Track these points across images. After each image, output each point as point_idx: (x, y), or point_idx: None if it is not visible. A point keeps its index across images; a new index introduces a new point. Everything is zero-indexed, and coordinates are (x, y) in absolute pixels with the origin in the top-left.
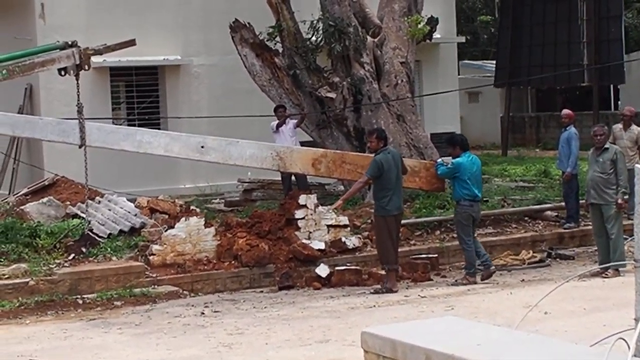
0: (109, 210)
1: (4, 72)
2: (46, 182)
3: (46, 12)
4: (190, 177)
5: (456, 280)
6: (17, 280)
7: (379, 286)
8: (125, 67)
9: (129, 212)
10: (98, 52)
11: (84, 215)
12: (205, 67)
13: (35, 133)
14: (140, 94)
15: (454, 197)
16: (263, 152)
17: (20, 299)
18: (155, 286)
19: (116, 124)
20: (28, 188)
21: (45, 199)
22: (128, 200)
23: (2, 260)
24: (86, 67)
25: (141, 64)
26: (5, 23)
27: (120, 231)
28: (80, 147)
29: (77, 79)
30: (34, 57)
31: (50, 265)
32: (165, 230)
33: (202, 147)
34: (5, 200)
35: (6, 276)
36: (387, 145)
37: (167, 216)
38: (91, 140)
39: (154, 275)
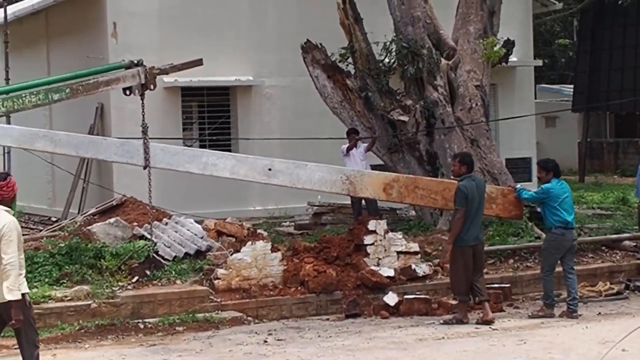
0: (176, 232)
1: (67, 90)
2: (114, 203)
3: (118, 31)
4: (260, 199)
5: (533, 313)
6: (79, 303)
7: (449, 316)
8: (197, 87)
9: (196, 235)
10: (164, 72)
11: (150, 237)
12: (276, 88)
13: (98, 154)
14: (211, 115)
15: (545, 225)
16: (332, 175)
17: (81, 322)
18: (219, 311)
19: (187, 145)
20: (96, 208)
21: (112, 220)
22: (195, 222)
23: (65, 281)
24: (151, 87)
25: (213, 84)
26: (78, 42)
27: (186, 254)
28: (144, 168)
29: (142, 99)
30: (98, 76)
31: (114, 288)
32: (231, 254)
33: (270, 169)
34: (73, 220)
35: (68, 298)
36: (472, 171)
37: (234, 239)
38: (155, 162)
39: (219, 300)
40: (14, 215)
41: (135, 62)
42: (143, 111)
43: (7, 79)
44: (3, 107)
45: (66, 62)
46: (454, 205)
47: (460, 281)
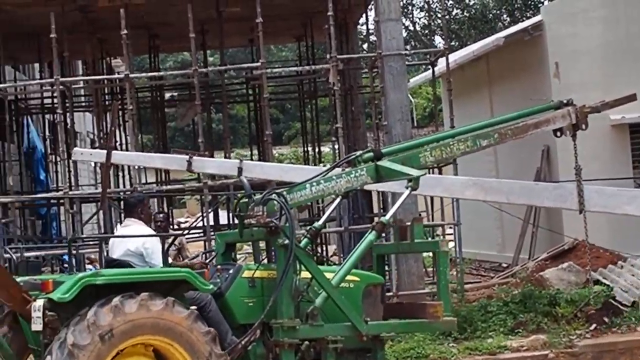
0: (632, 275)
1: (496, 136)
2: (565, 247)
3: (560, 70)
4: None
5: None
6: (536, 353)
7: None
8: None
9: None
10: (595, 110)
11: (605, 282)
12: None
13: (531, 199)
14: None
15: None
16: None
17: None
18: None
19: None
20: (547, 253)
21: (564, 265)
22: None
23: (520, 330)
24: (583, 127)
25: None
26: (519, 84)
27: None
28: (580, 212)
29: (574, 140)
30: (527, 119)
31: (571, 337)
32: None
33: None
34: (525, 266)
35: (524, 348)
36: None
37: None
38: (590, 205)
39: None
40: None
41: (565, 101)
42: (575, 152)
43: (452, 127)
44: (431, 156)
45: (508, 106)
46: None
47: None
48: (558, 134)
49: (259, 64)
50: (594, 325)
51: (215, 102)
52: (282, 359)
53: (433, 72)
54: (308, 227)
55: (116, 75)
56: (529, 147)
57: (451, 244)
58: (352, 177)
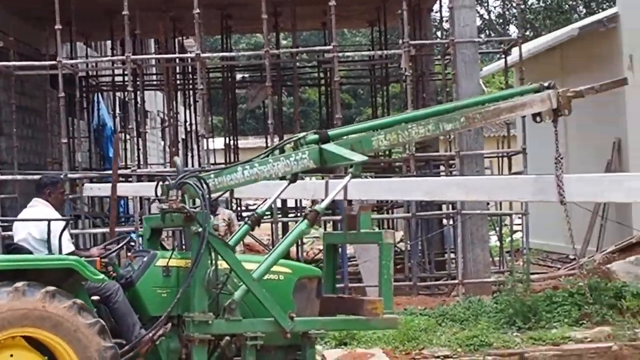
0: None
1: (462, 120)
2: (633, 240)
3: (635, 63)
4: None
5: None
6: (600, 345)
7: None
8: None
9: None
10: (579, 94)
11: None
12: None
13: (512, 195)
14: None
15: None
16: None
17: None
18: None
19: None
20: (615, 246)
21: (632, 258)
22: None
23: (584, 322)
24: (566, 112)
25: None
26: (592, 76)
27: None
28: (561, 203)
29: (554, 126)
30: (500, 102)
31: (635, 330)
32: None
33: None
34: (592, 258)
35: (588, 339)
36: None
37: None
38: (572, 195)
39: None
40: None
41: (546, 85)
42: (556, 140)
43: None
44: (385, 140)
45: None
46: None
47: None
48: (537, 119)
49: (330, 47)
50: None
51: (286, 85)
52: (193, 355)
53: (505, 61)
54: (250, 214)
55: (188, 55)
56: (599, 140)
57: (519, 234)
58: (292, 160)
